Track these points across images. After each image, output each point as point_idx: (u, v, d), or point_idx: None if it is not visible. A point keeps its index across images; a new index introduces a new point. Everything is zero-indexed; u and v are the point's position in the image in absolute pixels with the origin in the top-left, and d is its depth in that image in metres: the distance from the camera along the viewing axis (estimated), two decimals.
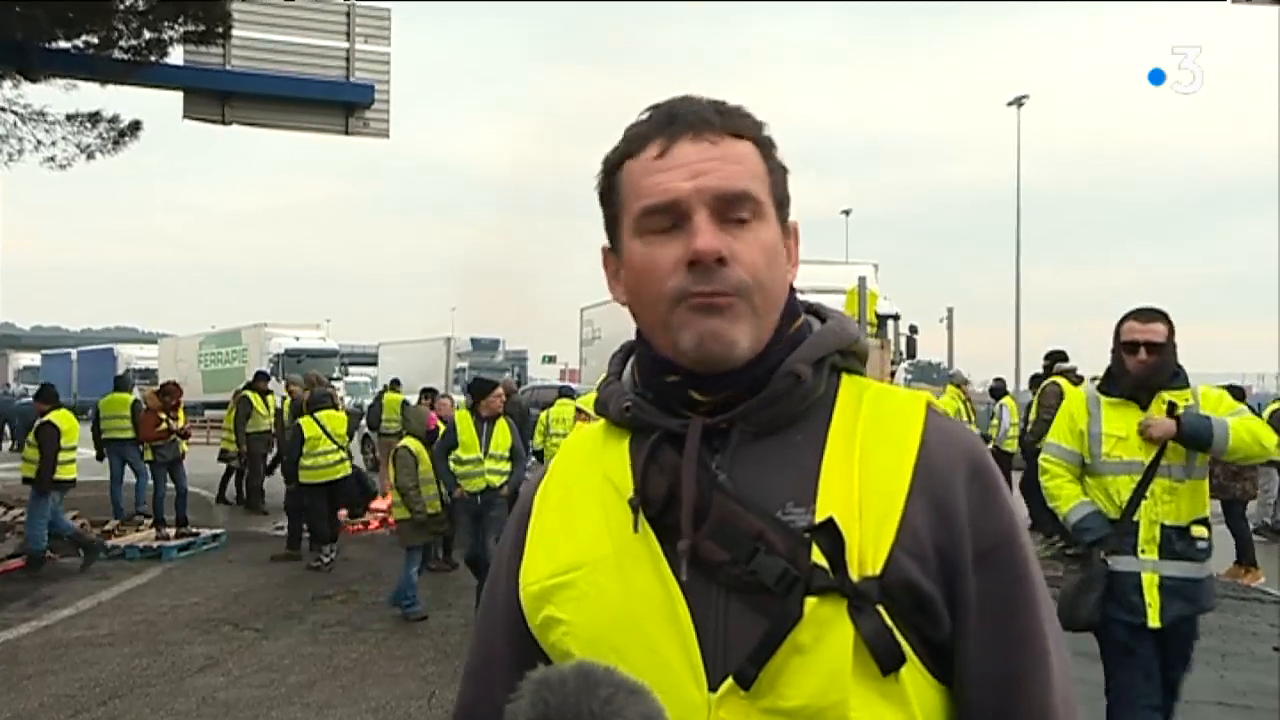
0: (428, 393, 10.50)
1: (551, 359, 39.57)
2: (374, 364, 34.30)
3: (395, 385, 16.16)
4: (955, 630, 0.89)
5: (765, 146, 0.95)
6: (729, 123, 0.92)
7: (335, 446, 8.89)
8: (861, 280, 8.59)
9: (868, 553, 0.85)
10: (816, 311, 1.02)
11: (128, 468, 11.42)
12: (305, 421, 8.87)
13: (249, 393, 12.77)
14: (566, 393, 11.81)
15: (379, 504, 10.58)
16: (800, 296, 1.01)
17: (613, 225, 0.97)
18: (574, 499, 0.97)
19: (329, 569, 8.57)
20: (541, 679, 0.77)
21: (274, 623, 6.82)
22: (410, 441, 7.15)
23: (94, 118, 12.24)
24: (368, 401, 14.96)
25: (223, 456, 13.11)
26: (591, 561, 0.92)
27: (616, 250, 0.98)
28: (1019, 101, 28.15)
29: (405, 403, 15.29)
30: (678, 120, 0.91)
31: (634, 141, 0.94)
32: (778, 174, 0.95)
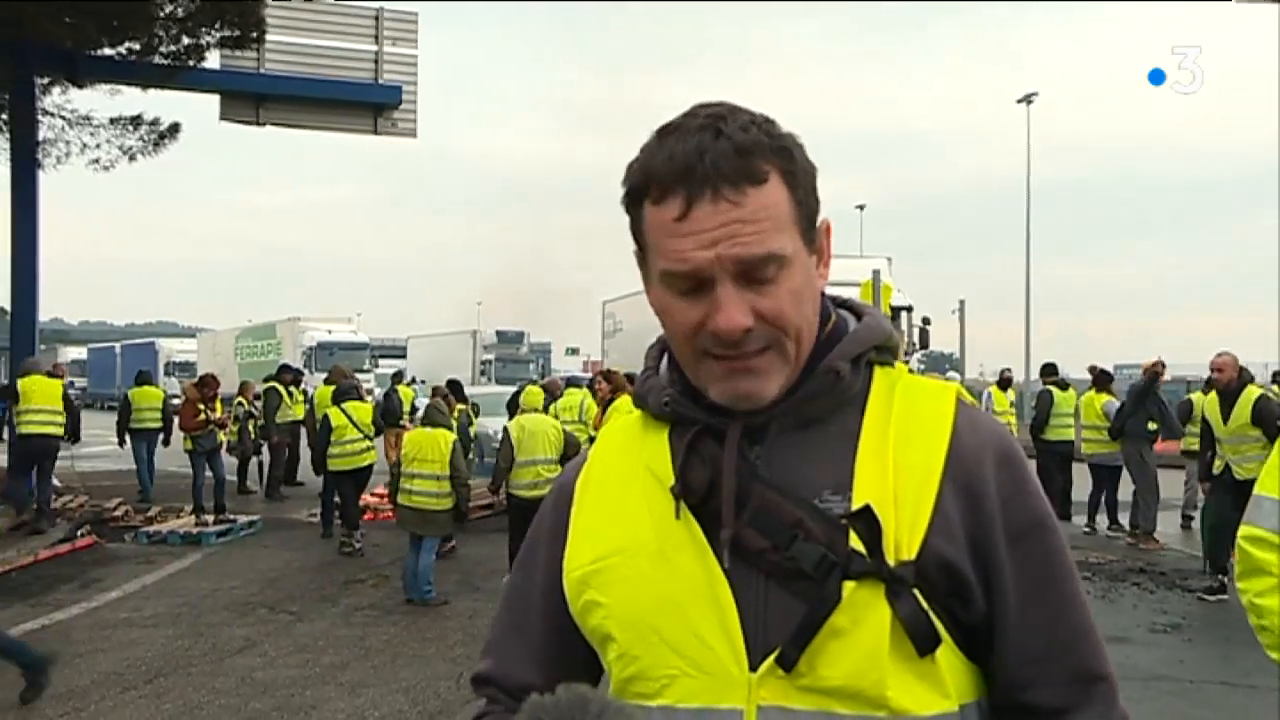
0: (453, 385, 10.82)
1: (575, 351, 40.02)
2: (403, 356, 34.79)
3: (399, 378, 16.36)
4: (993, 611, 0.91)
5: (790, 171, 0.91)
6: (750, 168, 0.88)
7: (361, 435, 9.26)
8: (876, 273, 8.67)
9: (903, 538, 0.88)
10: (850, 307, 1.04)
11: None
12: (333, 411, 9.22)
13: (276, 385, 13.11)
14: (574, 383, 12.32)
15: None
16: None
17: (639, 244, 0.97)
18: (615, 487, 1.00)
19: (360, 553, 8.86)
20: (535, 702, 0.80)
21: (308, 606, 7.01)
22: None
23: (136, 121, 12.65)
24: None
25: (229, 449, 12.73)
26: (632, 547, 0.95)
27: (646, 267, 0.97)
28: (1028, 99, 28.25)
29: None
30: (696, 175, 0.87)
31: (654, 182, 0.90)
32: (804, 193, 0.92)
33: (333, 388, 10.09)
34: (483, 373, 28.46)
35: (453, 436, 7.52)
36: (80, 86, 12.03)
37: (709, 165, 0.87)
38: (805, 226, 0.93)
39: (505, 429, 7.56)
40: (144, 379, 13.14)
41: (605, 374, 9.71)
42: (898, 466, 0.90)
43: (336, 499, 9.53)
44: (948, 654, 0.89)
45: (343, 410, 9.21)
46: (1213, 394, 7.23)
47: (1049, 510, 0.96)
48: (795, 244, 0.91)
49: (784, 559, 0.89)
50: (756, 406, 0.93)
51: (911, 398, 0.96)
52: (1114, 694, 0.93)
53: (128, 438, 12.41)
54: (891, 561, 0.87)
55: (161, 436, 12.59)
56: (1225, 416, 6.88)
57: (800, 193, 0.92)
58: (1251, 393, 6.88)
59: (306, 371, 19.27)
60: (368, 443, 9.34)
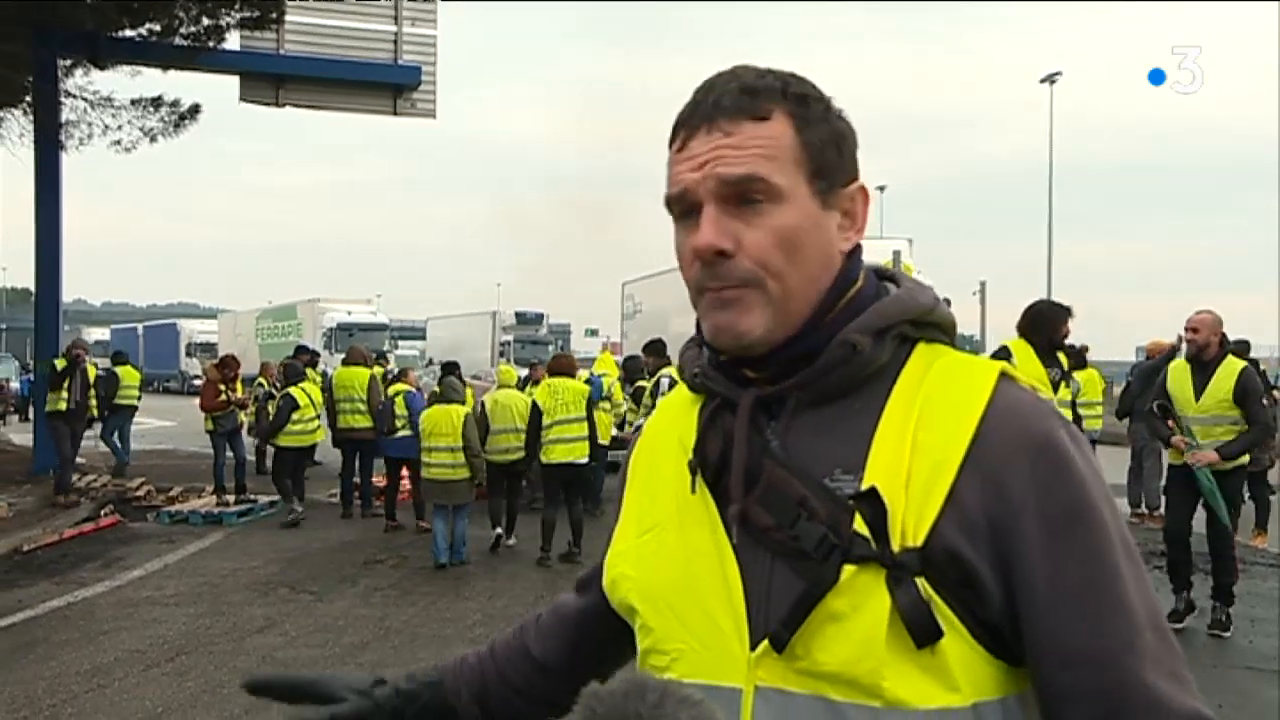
0: (448, 366, 10.81)
1: (594, 332, 40.04)
2: (423, 337, 34.96)
3: (380, 358, 16.77)
4: (1026, 609, 0.84)
5: (801, 115, 0.90)
6: (751, 105, 0.89)
7: (315, 414, 9.91)
8: (896, 254, 8.64)
9: (910, 523, 0.83)
10: (892, 278, 0.99)
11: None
12: (297, 391, 9.82)
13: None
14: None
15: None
16: None
17: None
18: (657, 461, 1.01)
19: (297, 524, 9.32)
20: (592, 691, 0.77)
21: (328, 586, 7.08)
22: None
23: (156, 102, 12.76)
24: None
25: (249, 430, 12.49)
26: (661, 522, 0.96)
27: None
28: (1051, 79, 28.04)
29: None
30: (699, 110, 0.91)
31: (673, 127, 0.94)
32: (817, 141, 0.91)
33: (353, 369, 10.14)
34: (501, 353, 28.55)
35: (465, 410, 7.96)
36: (101, 68, 12.12)
37: (710, 102, 0.90)
38: (814, 171, 0.90)
39: (481, 402, 8.33)
40: (121, 359, 13.72)
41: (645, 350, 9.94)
42: (916, 448, 0.85)
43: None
44: (960, 646, 0.83)
45: (304, 390, 9.81)
46: (1180, 363, 5.93)
47: (1092, 502, 0.85)
48: (792, 181, 0.89)
49: (788, 537, 0.86)
50: (740, 346, 0.91)
51: (946, 376, 0.90)
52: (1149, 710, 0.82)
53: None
54: (896, 547, 0.82)
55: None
56: (1199, 391, 5.66)
57: (811, 137, 0.90)
58: (1235, 364, 5.67)
59: (326, 352, 19.43)
60: (319, 421, 9.99)
